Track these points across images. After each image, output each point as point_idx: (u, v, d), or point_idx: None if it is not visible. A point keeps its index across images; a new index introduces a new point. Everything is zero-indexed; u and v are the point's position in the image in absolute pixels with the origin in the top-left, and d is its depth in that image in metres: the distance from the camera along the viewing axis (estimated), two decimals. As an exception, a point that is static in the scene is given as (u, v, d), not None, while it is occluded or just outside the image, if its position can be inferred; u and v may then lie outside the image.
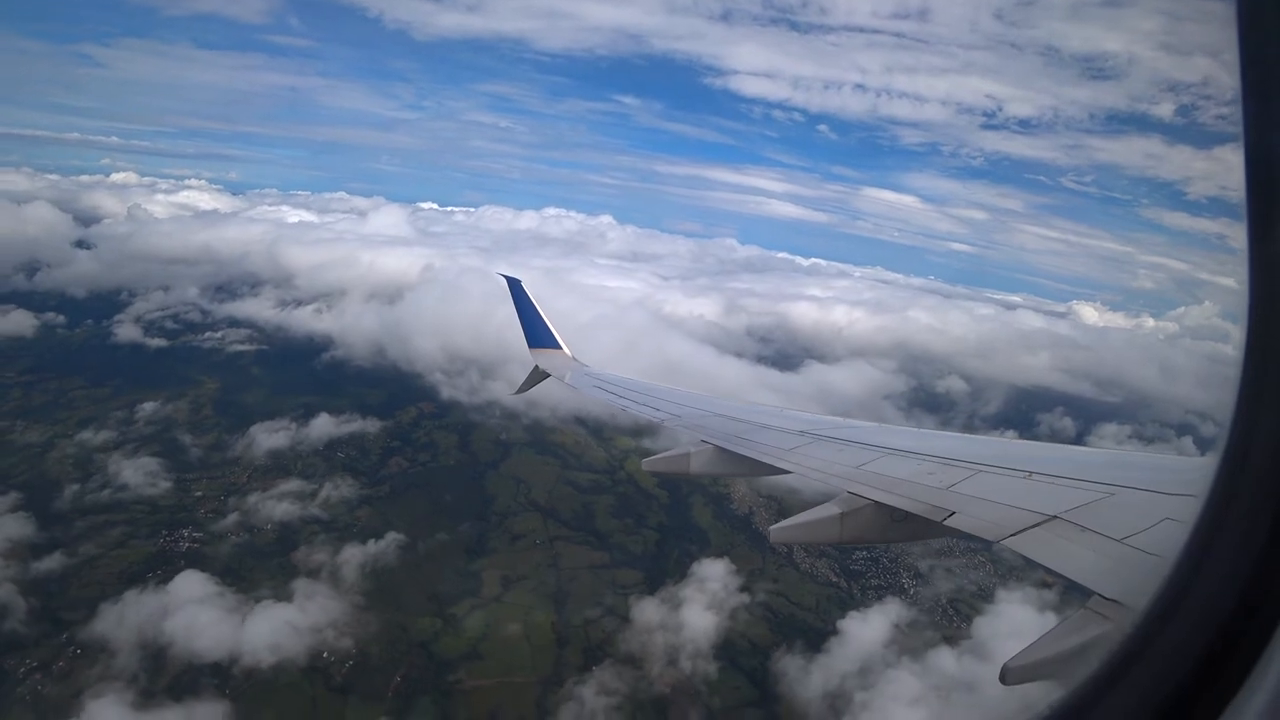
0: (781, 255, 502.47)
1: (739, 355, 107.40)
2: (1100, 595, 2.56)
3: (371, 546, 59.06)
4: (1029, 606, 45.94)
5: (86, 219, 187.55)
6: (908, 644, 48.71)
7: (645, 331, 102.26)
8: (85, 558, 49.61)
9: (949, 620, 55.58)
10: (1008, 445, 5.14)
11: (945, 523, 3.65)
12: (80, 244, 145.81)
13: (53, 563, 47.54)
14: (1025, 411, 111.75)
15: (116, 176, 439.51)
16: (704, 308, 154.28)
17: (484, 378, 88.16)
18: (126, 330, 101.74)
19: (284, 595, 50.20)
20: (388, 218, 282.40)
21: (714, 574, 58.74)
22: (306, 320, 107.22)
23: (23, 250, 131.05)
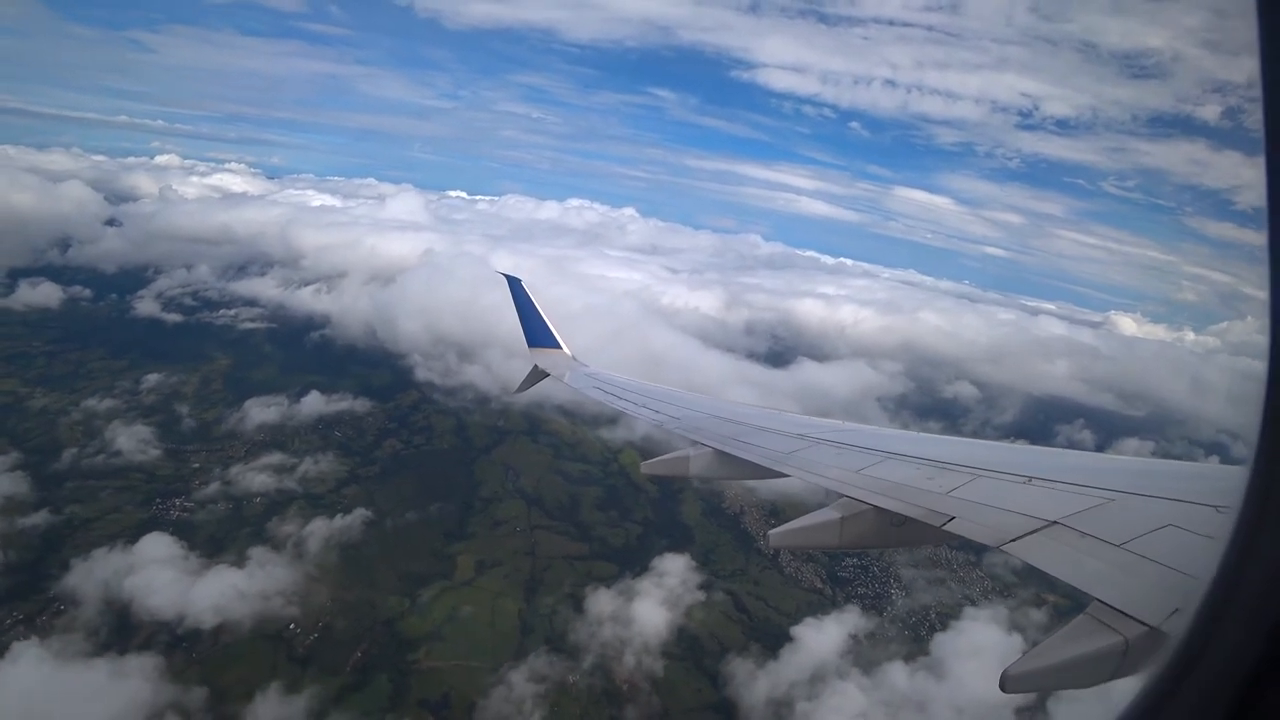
0: (808, 254, 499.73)
1: (730, 349, 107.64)
2: (1101, 601, 2.59)
3: (348, 523, 61.15)
4: (996, 626, 44.36)
5: (121, 198, 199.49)
6: (864, 655, 47.69)
7: (633, 322, 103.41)
8: (69, 517, 53.11)
9: (918, 633, 54.08)
10: (1008, 450, 5.26)
11: (945, 528, 3.69)
12: (110, 222, 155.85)
13: (38, 519, 51.11)
14: (1043, 422, 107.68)
15: (160, 159, 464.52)
16: (704, 301, 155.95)
17: (462, 361, 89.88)
18: (146, 305, 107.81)
19: (254, 565, 52.62)
20: (406, 204, 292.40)
21: (677, 570, 58.57)
22: (307, 300, 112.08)
23: (56, 227, 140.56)
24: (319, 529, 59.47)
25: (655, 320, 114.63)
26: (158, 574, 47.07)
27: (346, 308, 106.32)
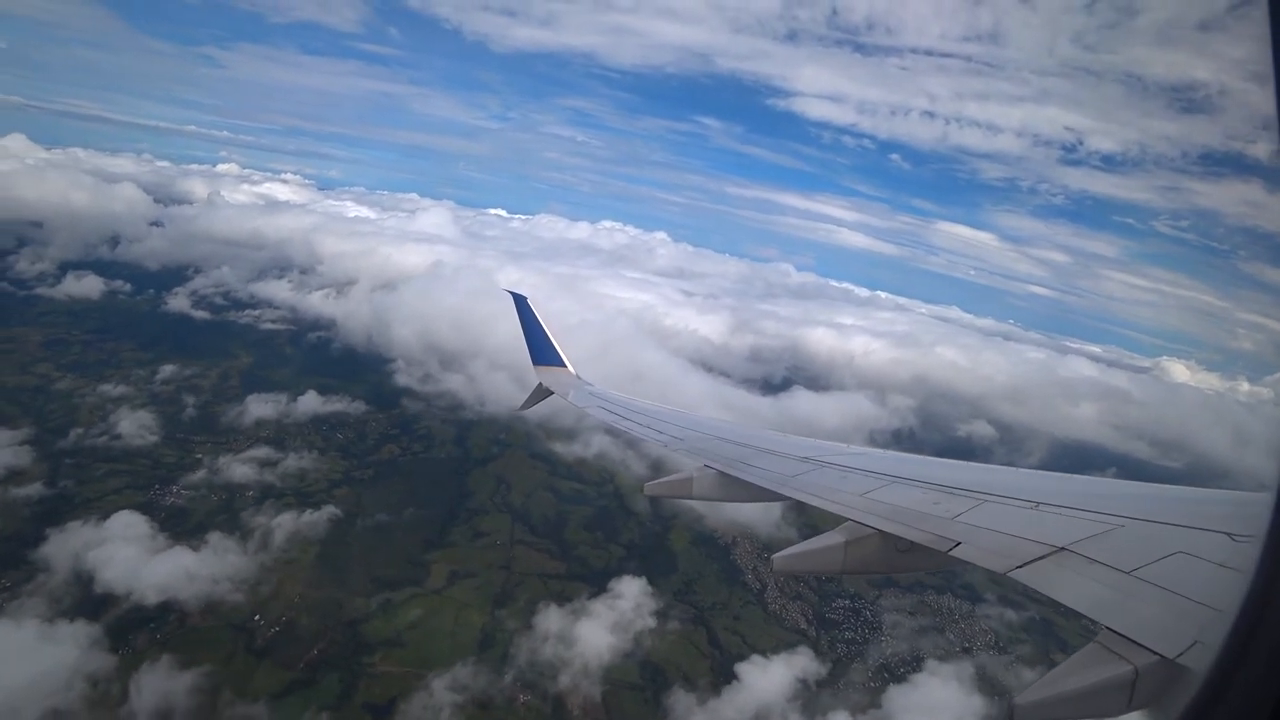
0: (843, 285, 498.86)
1: (725, 373, 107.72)
2: (1110, 629, 2.63)
3: (330, 523, 63.33)
4: (958, 683, 41.96)
5: (176, 201, 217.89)
6: (812, 701, 45.69)
7: (623, 339, 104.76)
8: (62, 491, 57.43)
9: (886, 682, 51.47)
10: (1015, 475, 5.31)
11: (951, 553, 3.71)
12: (155, 223, 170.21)
13: (31, 491, 55.48)
14: (1068, 468, 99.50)
15: (221, 167, 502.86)
16: (710, 325, 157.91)
17: (444, 369, 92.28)
18: (178, 302, 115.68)
19: (228, 554, 55.26)
20: (434, 218, 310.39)
21: (649, 597, 57.97)
22: (316, 304, 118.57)
23: (107, 225, 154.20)
24: (299, 525, 61.85)
25: (646, 339, 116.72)
26: (132, 554, 50.14)
27: (350, 313, 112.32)
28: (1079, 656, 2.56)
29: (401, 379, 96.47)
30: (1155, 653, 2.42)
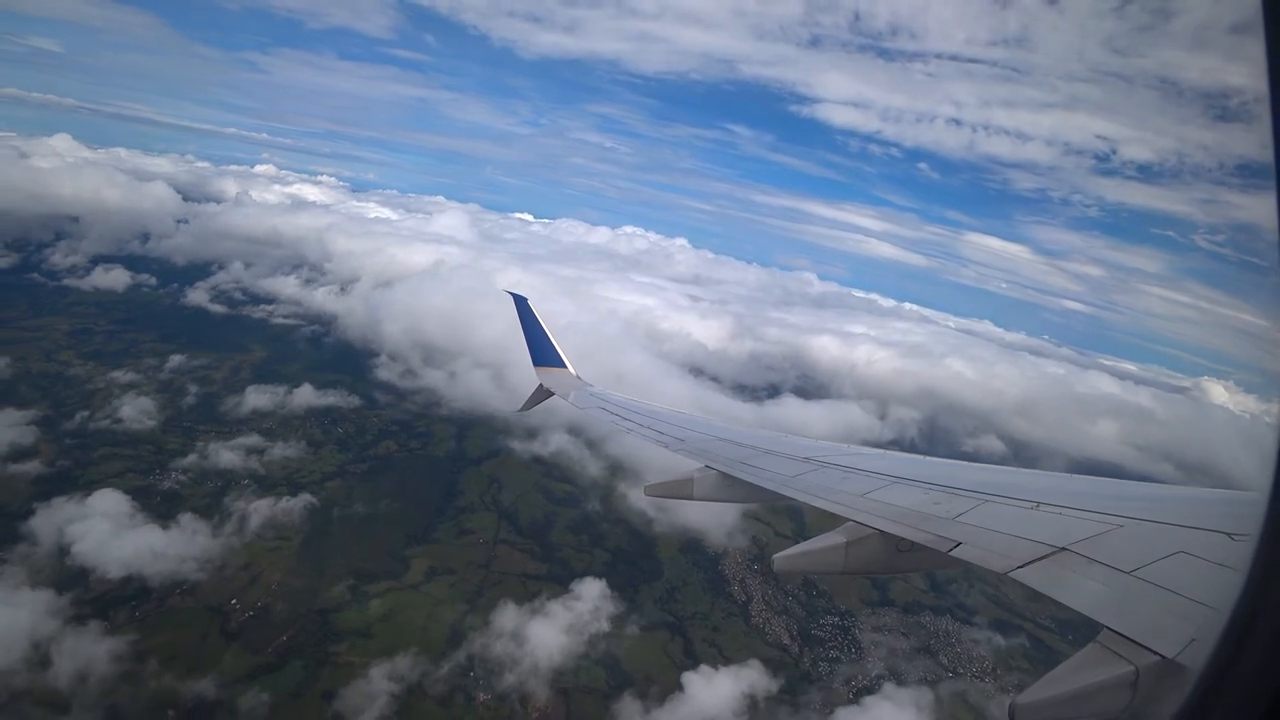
0: (869, 296, 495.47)
1: (715, 378, 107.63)
2: (1110, 629, 2.66)
3: (317, 513, 65.43)
4: (915, 709, 40.68)
5: (209, 199, 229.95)
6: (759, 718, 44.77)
7: (610, 341, 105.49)
8: (59, 470, 61.13)
9: (847, 702, 50.13)
10: (1014, 475, 5.41)
11: (952, 553, 3.78)
12: (182, 220, 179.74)
13: (29, 468, 59.36)
14: None
15: (259, 168, 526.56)
16: (710, 330, 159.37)
17: (426, 365, 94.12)
18: (197, 296, 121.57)
19: (214, 539, 57.75)
20: (450, 220, 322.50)
21: (628, 603, 58.10)
22: (319, 300, 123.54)
23: (138, 221, 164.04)
24: (286, 514, 64.04)
25: (634, 342, 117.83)
26: (112, 532, 52.90)
27: (349, 309, 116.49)
28: (1079, 656, 2.60)
29: (383, 373, 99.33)
30: (1155, 652, 2.46)
